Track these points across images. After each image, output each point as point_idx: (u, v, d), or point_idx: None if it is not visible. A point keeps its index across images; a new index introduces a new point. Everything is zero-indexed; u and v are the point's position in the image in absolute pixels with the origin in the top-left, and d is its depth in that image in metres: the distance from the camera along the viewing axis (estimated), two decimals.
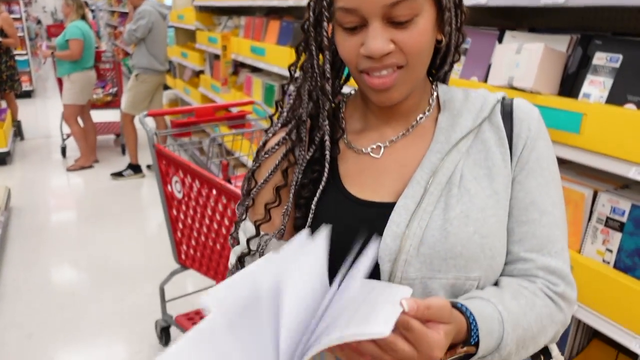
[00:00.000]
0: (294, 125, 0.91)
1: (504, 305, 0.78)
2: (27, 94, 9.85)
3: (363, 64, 0.80)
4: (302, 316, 0.65)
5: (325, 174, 0.88)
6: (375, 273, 0.81)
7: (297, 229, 0.89)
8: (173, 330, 2.81)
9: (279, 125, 0.95)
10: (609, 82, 1.52)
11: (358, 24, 0.78)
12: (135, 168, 5.49)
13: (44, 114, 8.82)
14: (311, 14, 0.86)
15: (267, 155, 0.93)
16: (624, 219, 1.51)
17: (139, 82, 5.23)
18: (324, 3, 0.83)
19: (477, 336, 0.74)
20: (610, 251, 1.55)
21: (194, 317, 2.70)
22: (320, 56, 0.89)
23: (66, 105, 5.51)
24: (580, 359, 1.79)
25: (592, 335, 1.83)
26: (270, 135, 0.96)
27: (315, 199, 0.87)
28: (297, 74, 0.93)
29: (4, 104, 7.03)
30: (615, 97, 1.49)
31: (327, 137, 0.89)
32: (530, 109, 0.91)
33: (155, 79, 5.31)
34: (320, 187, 0.88)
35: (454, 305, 0.75)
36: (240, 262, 0.94)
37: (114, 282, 3.46)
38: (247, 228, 0.93)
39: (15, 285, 3.43)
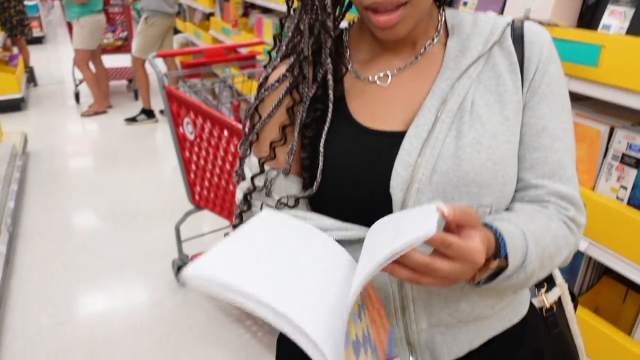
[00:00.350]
0: (296, 60, 0.88)
1: (525, 225, 0.78)
2: (38, 40, 9.80)
3: (367, 0, 0.78)
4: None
5: (329, 114, 0.86)
6: (387, 203, 0.81)
7: (304, 167, 0.89)
8: None
9: (278, 59, 0.92)
10: (630, 12, 1.46)
11: None
12: (148, 113, 5.50)
13: (56, 59, 8.79)
14: None
15: (267, 93, 0.90)
16: None
17: (148, 26, 5.16)
18: None
19: (506, 250, 0.73)
20: (625, 188, 1.53)
21: None
22: None
23: (77, 50, 5.48)
24: (590, 295, 1.81)
25: (603, 272, 1.84)
26: (270, 70, 0.92)
27: (322, 140, 0.85)
28: (295, 4, 0.90)
29: (15, 50, 7.01)
30: (636, 28, 1.44)
31: (329, 76, 0.86)
32: (542, 32, 0.87)
33: (164, 21, 5.23)
34: (325, 127, 0.86)
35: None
36: (247, 199, 0.93)
37: (131, 223, 3.53)
38: (252, 163, 0.92)
39: (36, 227, 3.52)
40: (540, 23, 1.58)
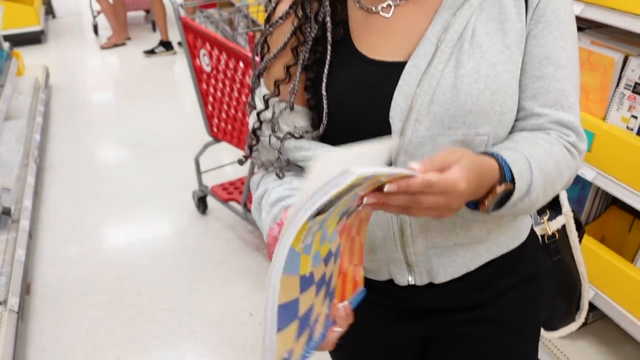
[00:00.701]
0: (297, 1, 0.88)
1: (527, 151, 0.80)
2: None
3: None
4: None
5: (329, 57, 0.87)
6: (387, 131, 0.84)
7: (310, 107, 0.91)
8: (209, 200, 2.98)
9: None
10: None
11: None
12: (166, 45, 5.48)
13: None
14: None
15: (271, 29, 0.91)
16: None
17: None
18: None
19: (512, 174, 0.76)
20: (635, 118, 1.52)
21: (228, 187, 2.83)
22: None
23: None
24: (597, 224, 1.84)
25: (610, 202, 1.85)
26: (273, 4, 0.93)
27: (324, 83, 0.87)
28: None
29: None
30: None
31: (328, 19, 0.86)
32: None
33: None
34: (325, 70, 0.87)
35: (482, 153, 0.78)
36: (255, 133, 0.96)
37: (153, 155, 3.62)
38: (262, 94, 0.95)
39: (61, 159, 3.63)
40: None
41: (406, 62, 0.84)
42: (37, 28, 5.87)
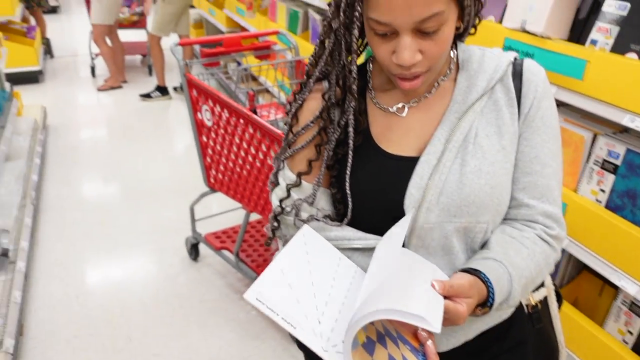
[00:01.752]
0: (325, 107, 1.00)
1: (511, 263, 0.95)
2: (53, 10, 9.88)
3: (395, 69, 0.91)
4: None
5: (350, 159, 0.99)
6: (399, 218, 0.96)
7: (335, 201, 1.04)
8: (201, 246, 3.07)
9: (312, 83, 1.02)
10: (615, 29, 1.58)
11: (389, 31, 0.87)
12: (162, 90, 5.63)
13: (70, 30, 8.89)
14: (342, 15, 0.91)
15: (296, 137, 1.03)
16: (619, 162, 1.62)
17: (166, 4, 5.27)
18: (356, 13, 0.88)
19: (494, 299, 0.91)
20: (604, 191, 1.68)
21: (221, 235, 2.93)
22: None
23: (95, 25, 5.61)
24: (569, 288, 1.96)
25: (583, 267, 1.99)
26: (306, 93, 1.03)
27: (347, 183, 0.99)
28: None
29: (33, 22, 7.12)
30: (620, 45, 1.56)
31: (351, 129, 0.99)
32: (538, 71, 1.01)
33: (181, 0, 5.34)
34: (347, 171, 0.99)
35: (477, 275, 0.91)
36: (277, 219, 1.07)
37: (146, 199, 3.71)
38: (287, 176, 1.06)
39: (57, 200, 3.71)
40: (533, 34, 1.70)
41: (419, 157, 0.98)
42: (36, 68, 6.01)
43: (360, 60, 1.06)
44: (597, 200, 1.69)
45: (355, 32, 0.91)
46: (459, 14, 0.91)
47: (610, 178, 1.65)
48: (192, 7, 6.32)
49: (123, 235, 3.31)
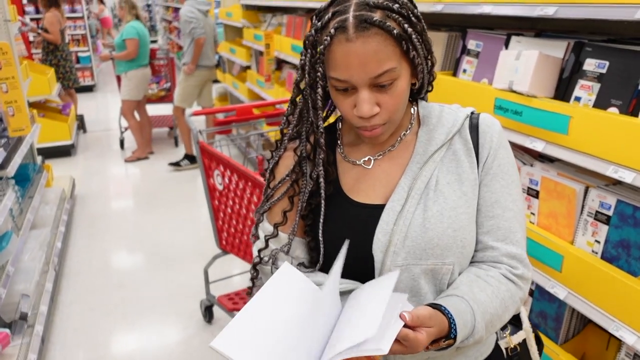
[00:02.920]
0: (297, 161, 1.09)
1: (474, 299, 0.99)
2: (89, 89, 10.46)
3: (357, 122, 1.00)
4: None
5: (323, 209, 1.06)
6: (370, 261, 1.03)
7: (310, 248, 1.11)
8: (216, 309, 3.10)
9: (286, 141, 1.11)
10: (596, 86, 1.65)
11: (349, 87, 0.96)
12: (191, 158, 5.85)
13: (104, 107, 9.36)
14: (306, 76, 1.01)
15: (279, 185, 1.11)
16: (610, 213, 1.64)
17: (188, 77, 5.58)
18: (319, 73, 0.98)
19: (456, 331, 0.94)
20: (599, 242, 1.68)
21: (234, 297, 2.97)
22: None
23: (124, 100, 5.93)
24: (574, 342, 1.93)
25: (588, 320, 1.95)
26: (281, 151, 1.12)
27: (320, 231, 1.06)
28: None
29: (68, 99, 7.55)
30: (601, 101, 1.62)
31: (322, 180, 1.07)
32: (493, 123, 1.10)
33: (203, 73, 5.65)
34: (321, 220, 1.06)
35: (438, 308, 0.95)
36: (255, 268, 1.15)
37: (165, 264, 3.79)
38: (265, 228, 1.14)
39: (79, 266, 3.82)
40: (521, 94, 1.78)
41: (384, 204, 1.05)
42: (69, 142, 6.32)
43: (332, 119, 1.15)
44: (593, 252, 1.70)
45: (319, 90, 1.00)
46: (411, 71, 1.00)
47: (604, 229, 1.66)
48: (216, 81, 6.65)
49: (140, 299, 3.37)
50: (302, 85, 1.05)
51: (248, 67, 5.99)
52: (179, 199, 5.06)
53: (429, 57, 1.03)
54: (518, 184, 1.10)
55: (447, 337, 0.94)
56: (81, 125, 7.53)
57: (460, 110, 1.12)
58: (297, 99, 1.08)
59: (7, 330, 2.48)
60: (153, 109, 6.74)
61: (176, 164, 5.83)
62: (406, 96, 1.00)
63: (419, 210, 1.02)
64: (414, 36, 0.96)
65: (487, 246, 1.06)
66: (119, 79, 6.22)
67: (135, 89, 5.87)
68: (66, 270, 3.75)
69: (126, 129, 6.46)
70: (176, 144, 6.73)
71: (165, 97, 6.85)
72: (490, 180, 1.06)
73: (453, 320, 0.94)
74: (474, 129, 1.09)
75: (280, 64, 5.25)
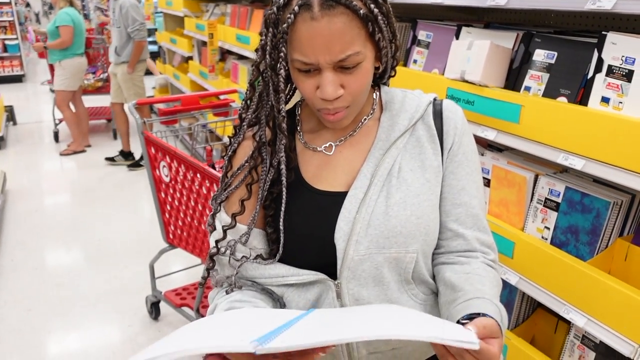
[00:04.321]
0: (256, 147, 1.04)
1: (488, 294, 0.95)
2: (18, 79, 9.93)
3: (319, 104, 0.96)
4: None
5: (284, 197, 1.01)
6: (332, 251, 0.99)
7: (271, 240, 1.04)
8: (162, 305, 3.00)
9: (245, 127, 1.06)
10: (545, 76, 1.69)
11: (312, 68, 0.92)
12: (125, 155, 5.64)
13: (35, 98, 8.90)
14: (267, 57, 0.95)
15: (238, 171, 1.05)
16: (559, 200, 1.69)
17: (131, 75, 5.37)
18: (282, 54, 0.92)
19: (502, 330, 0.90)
20: (548, 229, 1.74)
21: (181, 292, 2.88)
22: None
23: (58, 91, 5.65)
24: (524, 327, 1.99)
25: (537, 305, 2.02)
26: (240, 138, 1.07)
27: (281, 219, 1.01)
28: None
29: None
30: (550, 91, 1.67)
31: (283, 167, 1.02)
32: (456, 110, 1.09)
33: (143, 66, 5.45)
34: (282, 209, 1.01)
35: (484, 315, 0.90)
36: (212, 259, 1.08)
37: (107, 260, 3.64)
38: (222, 218, 1.08)
39: (13, 264, 3.61)
40: (473, 83, 1.80)
41: (346, 192, 1.02)
42: None
43: (291, 104, 1.11)
44: (543, 238, 1.75)
45: (282, 72, 0.94)
46: (376, 55, 0.97)
47: (553, 215, 1.71)
48: (148, 73, 6.44)
49: (80, 298, 3.22)
50: (261, 67, 0.99)
51: (190, 58, 5.85)
52: (119, 194, 4.88)
53: (394, 41, 1.01)
54: (480, 171, 1.11)
55: None
56: (11, 116, 7.12)
57: (423, 96, 1.10)
58: (257, 83, 1.04)
59: None
60: (89, 101, 6.45)
61: (111, 159, 5.62)
62: (370, 79, 0.98)
63: (381, 198, 1.00)
64: (380, 17, 0.93)
65: (457, 234, 1.05)
66: (52, 68, 5.92)
67: (71, 79, 5.61)
68: None
69: (60, 120, 6.16)
70: (115, 137, 6.49)
71: (102, 88, 6.58)
72: (456, 168, 1.05)
73: (499, 323, 0.90)
74: (438, 115, 1.07)
75: (224, 54, 5.14)
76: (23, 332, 2.91)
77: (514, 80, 1.80)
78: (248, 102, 1.06)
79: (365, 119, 1.07)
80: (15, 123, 7.17)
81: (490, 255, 1.06)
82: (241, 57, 4.72)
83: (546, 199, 1.73)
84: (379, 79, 1.10)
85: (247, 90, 1.06)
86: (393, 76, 1.11)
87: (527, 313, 2.01)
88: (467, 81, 1.83)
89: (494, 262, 1.06)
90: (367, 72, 0.95)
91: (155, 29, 8.36)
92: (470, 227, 1.05)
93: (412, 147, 1.05)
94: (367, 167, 1.02)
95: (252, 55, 3.87)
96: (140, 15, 5.21)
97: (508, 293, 1.98)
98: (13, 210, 4.45)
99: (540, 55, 1.71)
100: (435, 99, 1.10)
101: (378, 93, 1.10)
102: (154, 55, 9.11)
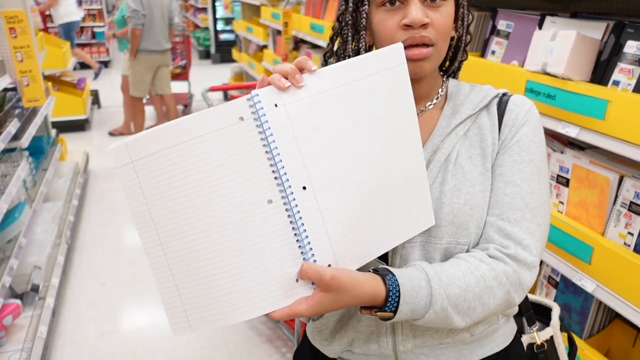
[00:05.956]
0: None
1: (435, 269, 0.88)
2: (105, 64, 10.42)
3: (402, 35, 0.93)
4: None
5: None
6: None
7: None
8: None
9: None
10: (637, 70, 1.56)
11: (399, 2, 0.93)
12: None
13: (119, 83, 9.30)
14: (350, 3, 1.00)
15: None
16: None
17: (134, 63, 5.51)
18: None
19: (397, 303, 0.84)
20: (632, 234, 1.61)
21: None
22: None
23: (124, 75, 5.88)
24: (599, 338, 1.86)
25: (615, 315, 1.89)
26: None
27: None
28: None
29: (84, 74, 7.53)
30: None
31: None
32: (523, 102, 1.02)
33: (151, 58, 5.55)
34: None
35: (378, 272, 0.86)
36: None
37: None
38: None
39: (91, 240, 3.80)
40: (555, 76, 1.70)
41: None
42: (83, 117, 6.29)
43: None
44: (625, 244, 1.63)
45: (366, 7, 0.98)
46: (455, 18, 0.98)
47: (638, 220, 1.59)
48: (233, 61, 6.56)
49: (151, 276, 3.34)
50: (342, 18, 1.03)
51: (265, 47, 5.91)
52: None
53: (469, 7, 1.01)
54: (538, 166, 0.99)
55: (381, 309, 0.85)
56: (96, 100, 7.50)
57: (491, 90, 1.05)
58: (337, 40, 1.06)
59: (19, 302, 2.46)
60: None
61: None
62: (450, 29, 0.97)
63: (436, 184, 0.96)
64: None
65: None
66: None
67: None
68: (78, 244, 3.74)
69: (147, 103, 6.42)
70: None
71: (180, 75, 6.79)
72: (502, 155, 0.98)
73: (394, 290, 0.84)
74: (504, 107, 1.02)
75: (297, 43, 5.16)
76: (97, 305, 3.06)
77: (601, 73, 1.68)
78: (326, 56, 1.11)
79: (429, 105, 1.04)
80: (99, 106, 7.54)
81: (510, 249, 0.92)
82: (314, 47, 4.71)
83: (631, 202, 1.61)
84: (450, 64, 1.08)
85: (327, 45, 1.09)
86: (459, 67, 1.09)
87: (604, 323, 1.89)
88: (548, 74, 1.73)
89: (511, 257, 0.91)
90: (449, 14, 0.95)
91: (233, 18, 8.53)
92: (496, 215, 0.95)
93: (474, 135, 1.00)
94: (425, 153, 0.99)
95: (325, 44, 3.85)
96: (137, 3, 5.26)
97: (583, 300, 1.87)
98: (94, 189, 4.69)
99: (632, 47, 1.58)
100: (505, 93, 1.04)
101: (446, 84, 1.07)
102: (230, 44, 9.33)
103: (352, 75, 0.84)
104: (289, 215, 0.78)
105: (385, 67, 0.87)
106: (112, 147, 0.74)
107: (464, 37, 1.03)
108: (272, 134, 0.76)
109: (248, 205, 0.76)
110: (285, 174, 0.77)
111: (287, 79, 0.79)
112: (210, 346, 2.70)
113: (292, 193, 0.77)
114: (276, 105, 0.77)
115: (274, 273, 0.78)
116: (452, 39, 1.01)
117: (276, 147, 0.76)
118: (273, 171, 0.77)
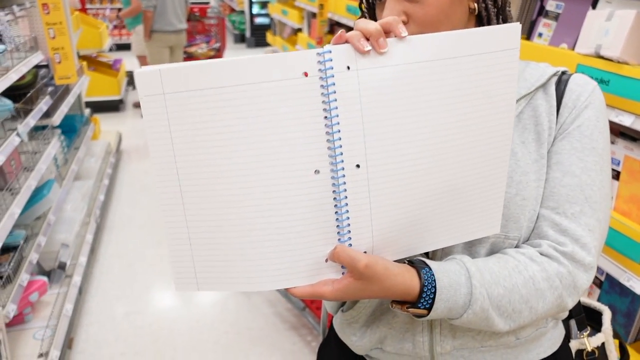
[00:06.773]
0: None
1: (477, 265, 0.79)
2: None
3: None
4: None
5: None
6: None
7: None
8: None
9: None
10: None
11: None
12: None
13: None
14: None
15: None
16: None
17: (148, 43, 5.42)
18: None
19: (432, 300, 0.76)
20: None
21: None
22: None
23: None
24: None
25: None
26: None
27: None
28: None
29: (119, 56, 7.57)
30: None
31: None
32: (586, 82, 0.90)
33: (165, 38, 5.43)
34: None
35: (414, 264, 0.78)
36: None
37: None
38: None
39: (120, 220, 3.81)
40: (610, 60, 1.57)
41: None
42: (117, 97, 6.33)
43: None
44: None
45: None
46: None
47: None
48: (267, 44, 6.47)
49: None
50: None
51: (299, 30, 5.82)
52: None
53: None
54: (600, 154, 0.87)
55: (414, 305, 0.77)
56: (131, 81, 7.54)
57: (549, 67, 0.93)
58: None
59: (46, 279, 2.46)
60: None
61: None
62: (447, 10, 0.82)
63: None
64: None
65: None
66: None
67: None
68: (107, 224, 3.75)
69: None
70: None
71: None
72: (561, 140, 0.87)
73: (430, 286, 0.76)
74: (563, 86, 0.89)
75: (332, 27, 5.05)
76: (124, 285, 3.06)
77: None
78: None
79: None
80: (134, 87, 7.58)
81: (566, 247, 0.81)
82: (351, 29, 4.60)
83: None
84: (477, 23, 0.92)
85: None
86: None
87: None
88: (602, 57, 1.60)
89: (566, 257, 0.81)
90: (433, 4, 0.81)
91: (268, 1, 8.45)
92: (552, 207, 0.84)
93: (528, 117, 0.88)
94: None
95: None
96: None
97: (630, 302, 1.74)
98: (126, 170, 4.70)
99: None
100: (565, 72, 0.93)
101: None
102: (265, 28, 9.27)
103: (454, 50, 0.70)
104: (334, 191, 0.69)
105: (498, 47, 0.72)
106: (139, 71, 0.66)
107: (490, 4, 0.87)
108: (335, 99, 0.67)
109: (292, 170, 0.68)
110: (341, 146, 0.68)
111: (368, 40, 0.69)
112: (233, 330, 2.66)
113: (342, 169, 0.69)
114: (349, 68, 0.67)
115: (302, 248, 0.71)
116: (473, 10, 0.87)
117: (337, 115, 0.67)
118: (328, 140, 0.68)
